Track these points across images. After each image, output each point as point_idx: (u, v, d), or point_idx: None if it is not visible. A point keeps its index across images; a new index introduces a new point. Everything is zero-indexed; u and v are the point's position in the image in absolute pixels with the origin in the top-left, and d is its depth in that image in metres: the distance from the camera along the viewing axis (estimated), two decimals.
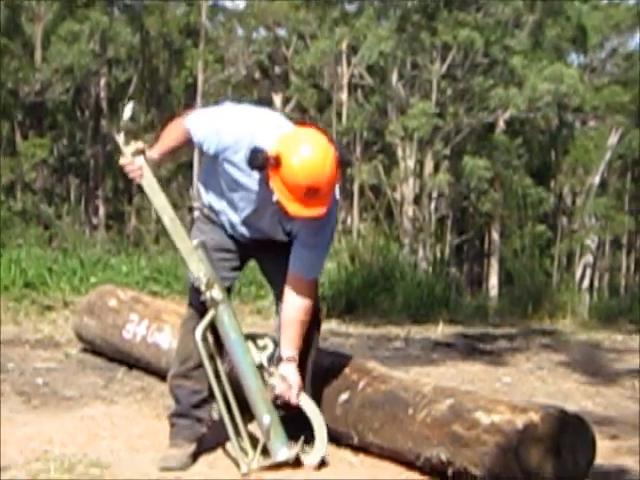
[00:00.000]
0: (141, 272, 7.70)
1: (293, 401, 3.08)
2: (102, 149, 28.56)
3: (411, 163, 28.58)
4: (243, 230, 3.12)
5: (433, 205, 29.30)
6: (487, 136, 30.37)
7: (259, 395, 3.09)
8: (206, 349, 3.07)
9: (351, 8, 30.44)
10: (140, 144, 3.09)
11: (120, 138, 3.02)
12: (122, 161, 3.07)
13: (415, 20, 27.85)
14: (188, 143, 3.19)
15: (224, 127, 2.96)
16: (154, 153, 3.11)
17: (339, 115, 30.13)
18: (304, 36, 30.89)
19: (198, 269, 3.00)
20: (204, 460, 3.25)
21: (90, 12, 26.98)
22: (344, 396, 3.37)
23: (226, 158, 2.97)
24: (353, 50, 29.33)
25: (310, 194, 2.79)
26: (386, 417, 3.24)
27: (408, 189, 28.66)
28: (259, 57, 32.10)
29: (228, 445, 3.27)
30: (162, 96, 32.58)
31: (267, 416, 3.06)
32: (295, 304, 3.03)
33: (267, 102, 30.65)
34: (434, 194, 29.26)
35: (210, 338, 3.14)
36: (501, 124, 29.77)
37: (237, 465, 3.09)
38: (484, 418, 2.96)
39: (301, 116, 31.12)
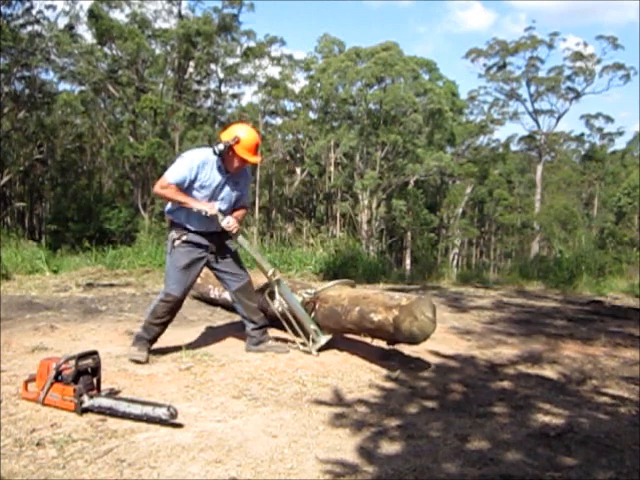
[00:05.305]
0: None
1: (233, 224, 3.98)
2: None
3: (366, 202, 35.31)
4: (210, 224, 3.92)
5: (377, 223, 36.05)
6: (404, 188, 37.66)
7: (305, 315, 4.29)
8: (274, 303, 4.37)
9: (335, 124, 37.31)
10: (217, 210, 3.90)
11: (219, 214, 4.00)
12: (225, 223, 3.91)
13: (368, 130, 35.35)
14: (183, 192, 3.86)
15: (180, 168, 3.87)
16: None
17: (329, 178, 37.87)
18: (312, 138, 38.23)
19: (269, 267, 4.20)
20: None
21: (203, 126, 34.17)
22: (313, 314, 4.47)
23: (195, 178, 3.82)
24: (336, 145, 36.33)
25: (256, 148, 3.87)
26: (330, 318, 4.32)
27: (364, 215, 35.42)
28: (289, 148, 40.44)
29: (287, 344, 4.35)
30: None
31: (311, 324, 4.27)
32: (242, 213, 4.09)
33: (292, 172, 40.28)
34: (377, 218, 35.95)
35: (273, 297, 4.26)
36: (412, 182, 37.70)
37: (305, 352, 4.16)
38: (374, 316, 3.99)
39: (309, 178, 39.76)
